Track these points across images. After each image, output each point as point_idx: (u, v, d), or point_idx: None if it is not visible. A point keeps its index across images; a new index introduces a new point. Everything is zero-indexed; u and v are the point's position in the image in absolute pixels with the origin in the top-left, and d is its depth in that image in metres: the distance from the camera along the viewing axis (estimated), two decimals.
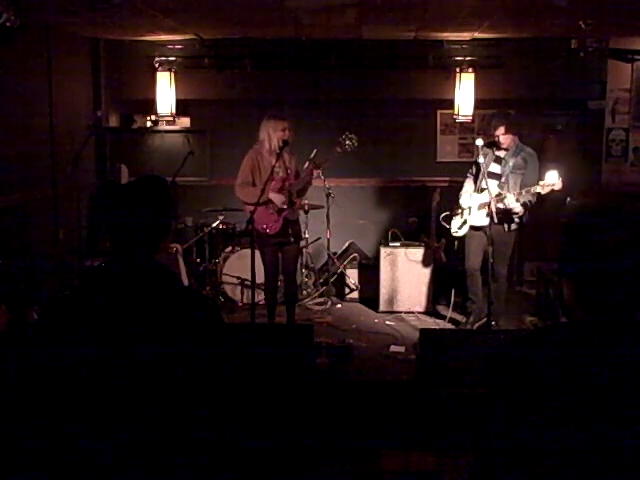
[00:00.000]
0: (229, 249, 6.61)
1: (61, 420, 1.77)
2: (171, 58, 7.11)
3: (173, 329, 1.76)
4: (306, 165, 5.47)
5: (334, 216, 6.55)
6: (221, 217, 6.61)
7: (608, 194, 7.05)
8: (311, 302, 6.65)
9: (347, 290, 6.81)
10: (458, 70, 6.98)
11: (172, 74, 7.08)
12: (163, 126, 7.66)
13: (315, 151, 5.57)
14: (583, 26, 5.42)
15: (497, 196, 5.27)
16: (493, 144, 5.47)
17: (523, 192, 5.20)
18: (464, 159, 7.12)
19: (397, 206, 7.41)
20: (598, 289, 1.43)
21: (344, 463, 3.75)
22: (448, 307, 6.13)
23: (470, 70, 6.96)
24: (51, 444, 1.79)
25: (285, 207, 5.24)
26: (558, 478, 1.38)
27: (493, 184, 5.34)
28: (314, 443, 3.76)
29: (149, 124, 7.88)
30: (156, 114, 7.26)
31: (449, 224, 5.88)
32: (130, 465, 1.73)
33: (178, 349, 1.74)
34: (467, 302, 5.83)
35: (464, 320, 5.87)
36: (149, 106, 7.26)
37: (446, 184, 6.87)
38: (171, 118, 7.26)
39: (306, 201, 6.14)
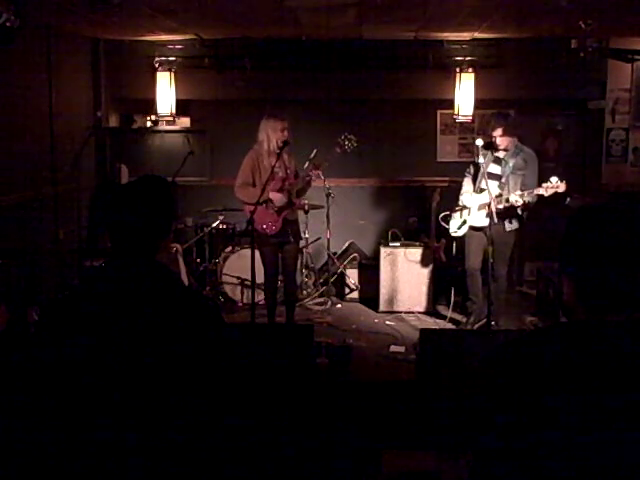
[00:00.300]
0: (229, 249, 6.61)
1: (61, 420, 1.77)
2: (171, 58, 7.11)
3: (173, 329, 1.76)
4: (306, 165, 5.47)
5: (334, 216, 6.55)
6: (221, 217, 6.62)
7: (608, 194, 7.06)
8: (311, 302, 6.65)
9: (347, 290, 6.81)
10: (458, 70, 6.98)
11: (172, 74, 7.08)
12: (163, 126, 7.65)
13: (315, 151, 5.58)
14: (583, 26, 5.42)
15: (498, 197, 5.27)
16: (490, 145, 5.47)
17: (525, 193, 5.19)
18: (464, 159, 7.11)
19: (397, 206, 7.41)
20: (598, 288, 1.43)
21: (344, 463, 3.75)
22: (448, 307, 6.13)
23: (470, 70, 6.96)
24: (51, 444, 1.79)
25: (285, 206, 5.24)
26: (558, 478, 1.38)
27: (493, 185, 5.34)
28: (314, 443, 3.76)
29: (149, 124, 7.88)
30: (156, 114, 7.26)
31: (448, 224, 5.88)
32: (130, 465, 1.73)
33: (178, 349, 1.74)
34: (467, 302, 5.83)
35: (464, 320, 5.88)
36: (149, 106, 7.26)
37: (446, 184, 6.86)
38: (171, 118, 7.26)
39: (306, 201, 6.15)
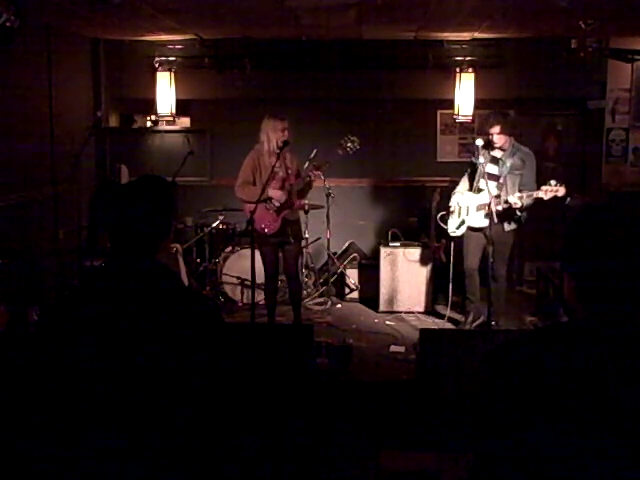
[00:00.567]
0: (229, 249, 6.61)
1: (61, 421, 1.77)
2: (171, 58, 7.12)
3: (173, 329, 1.76)
4: (306, 166, 5.47)
5: (334, 216, 6.55)
6: (221, 217, 6.62)
7: (608, 194, 7.06)
8: (311, 302, 6.65)
9: (347, 290, 6.81)
10: (458, 70, 6.98)
11: (172, 74, 7.09)
12: (163, 126, 7.66)
13: (315, 151, 5.57)
14: (583, 26, 5.43)
15: (496, 198, 5.27)
16: (488, 144, 5.47)
17: (525, 196, 5.19)
18: (464, 159, 7.10)
19: (397, 206, 7.41)
20: (599, 286, 1.44)
21: (344, 463, 3.75)
22: (447, 307, 6.13)
23: (470, 70, 6.96)
24: (51, 443, 1.79)
25: (284, 206, 5.24)
26: (558, 478, 1.38)
27: (492, 185, 5.33)
28: (314, 443, 3.76)
29: (149, 124, 7.89)
30: (156, 114, 7.26)
31: (446, 224, 5.88)
32: (130, 465, 1.73)
33: (178, 349, 1.74)
34: (465, 301, 5.84)
35: (463, 319, 5.88)
36: (149, 106, 7.26)
37: (446, 184, 6.85)
38: (171, 118, 7.26)
39: (306, 201, 6.15)
